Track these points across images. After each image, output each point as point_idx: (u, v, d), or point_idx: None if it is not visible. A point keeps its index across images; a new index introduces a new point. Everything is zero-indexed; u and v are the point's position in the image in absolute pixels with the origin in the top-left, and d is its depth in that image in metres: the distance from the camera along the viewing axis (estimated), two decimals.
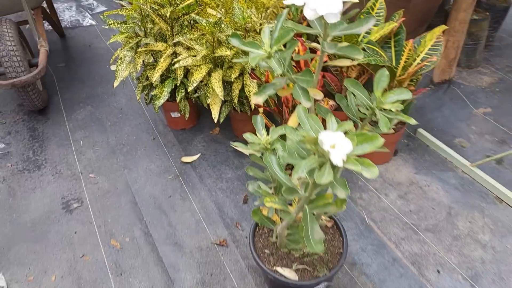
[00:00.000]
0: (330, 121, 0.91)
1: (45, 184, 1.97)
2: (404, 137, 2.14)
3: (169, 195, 1.89)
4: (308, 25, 1.06)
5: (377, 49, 1.71)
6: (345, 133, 0.84)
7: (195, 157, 2.06)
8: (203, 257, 1.63)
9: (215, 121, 1.83)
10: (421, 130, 2.12)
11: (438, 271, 1.55)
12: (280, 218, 1.25)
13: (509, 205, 1.78)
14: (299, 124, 0.96)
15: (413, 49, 1.75)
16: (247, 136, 1.17)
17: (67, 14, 3.46)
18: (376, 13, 1.81)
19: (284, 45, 1.04)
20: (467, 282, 1.51)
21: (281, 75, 1.10)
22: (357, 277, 1.54)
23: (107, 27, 1.92)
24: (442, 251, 1.62)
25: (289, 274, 1.29)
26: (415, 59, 1.75)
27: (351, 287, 1.50)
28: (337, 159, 0.78)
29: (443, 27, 1.68)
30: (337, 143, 0.79)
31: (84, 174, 2.01)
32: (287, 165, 1.36)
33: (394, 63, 1.76)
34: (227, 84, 1.88)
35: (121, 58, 1.96)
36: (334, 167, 0.83)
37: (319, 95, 1.14)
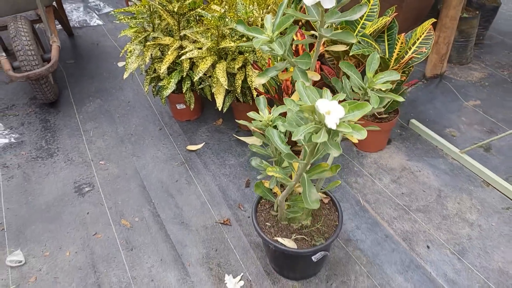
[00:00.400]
0: (326, 94, 1.03)
1: (58, 170, 2.08)
2: (398, 127, 2.26)
3: (175, 179, 2.00)
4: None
5: (371, 41, 1.83)
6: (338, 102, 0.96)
7: (199, 146, 2.18)
8: (208, 235, 1.74)
9: (220, 109, 1.95)
10: (413, 121, 2.24)
11: (428, 247, 1.66)
12: (281, 186, 1.36)
13: (495, 188, 1.90)
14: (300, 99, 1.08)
15: (405, 42, 1.88)
16: (251, 114, 1.29)
17: (75, 15, 3.60)
18: (370, 9, 1.94)
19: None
20: (455, 256, 1.63)
21: (281, 59, 1.22)
22: (352, 252, 1.65)
23: (118, 22, 2.05)
24: (432, 229, 1.74)
25: (288, 243, 1.40)
26: (407, 52, 1.87)
27: (347, 260, 1.62)
28: (331, 123, 0.90)
29: (432, 20, 1.80)
30: (331, 109, 0.91)
31: (94, 161, 2.13)
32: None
33: (387, 55, 1.89)
34: (230, 76, 2.00)
35: (130, 52, 2.08)
36: (329, 131, 0.94)
37: (316, 76, 1.27)
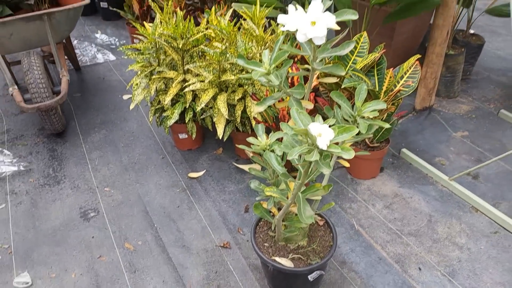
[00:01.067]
0: (318, 119, 1.14)
1: (64, 197, 2.17)
2: (390, 156, 2.37)
3: (177, 205, 2.09)
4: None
5: (361, 75, 1.97)
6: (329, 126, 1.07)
7: (200, 173, 2.28)
8: (209, 257, 1.81)
9: (220, 138, 2.06)
10: (404, 150, 2.36)
11: (420, 269, 1.74)
12: (278, 209, 1.45)
13: (483, 214, 1.99)
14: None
15: (393, 77, 2.02)
16: (250, 139, 1.40)
17: (82, 51, 3.78)
18: (361, 45, 2.09)
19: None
20: (445, 277, 1.70)
21: (278, 89, 1.35)
22: (346, 273, 1.72)
23: (125, 57, 2.19)
24: (423, 252, 1.81)
25: (285, 262, 1.48)
26: (396, 85, 2.01)
27: (342, 281, 1.68)
28: (322, 144, 1.01)
29: (417, 56, 1.95)
30: (322, 132, 1.02)
31: (99, 188, 2.22)
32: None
33: (377, 88, 2.02)
34: (230, 107, 2.13)
35: (136, 84, 2.21)
36: (320, 151, 1.05)
37: (310, 105, 1.39)
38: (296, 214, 1.50)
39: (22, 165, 2.38)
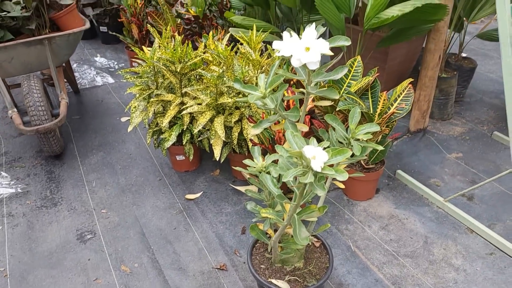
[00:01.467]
0: (312, 141, 1.17)
1: (61, 219, 2.17)
2: (385, 178, 2.39)
3: (174, 227, 2.09)
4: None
5: (356, 98, 2.01)
6: (324, 149, 1.09)
7: (197, 195, 2.29)
8: (205, 280, 1.80)
9: (217, 160, 2.08)
10: (399, 172, 2.38)
11: None
12: (274, 230, 1.46)
13: (479, 235, 2.00)
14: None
15: (387, 99, 2.06)
16: (247, 161, 1.42)
17: (81, 74, 3.83)
18: (355, 69, 2.14)
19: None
20: None
21: (274, 112, 1.38)
22: None
23: (124, 80, 2.23)
24: (420, 273, 1.81)
25: (282, 284, 1.48)
26: (390, 108, 2.05)
27: None
28: (317, 166, 1.03)
29: (410, 79, 2.00)
30: (316, 155, 1.05)
31: (96, 210, 2.22)
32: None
33: (371, 111, 2.06)
34: (227, 129, 2.16)
35: (135, 107, 2.25)
36: (315, 173, 1.07)
37: (305, 128, 1.42)
38: (292, 236, 1.51)
39: (20, 187, 2.39)
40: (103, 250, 1.98)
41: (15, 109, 2.45)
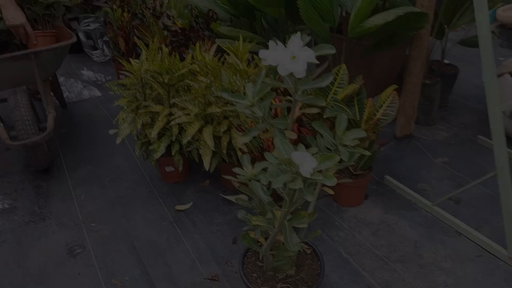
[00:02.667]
0: (301, 148, 1.19)
1: (50, 233, 2.14)
2: (374, 183, 2.42)
3: (165, 239, 2.08)
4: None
5: (342, 106, 2.04)
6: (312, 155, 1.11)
7: (188, 206, 2.28)
8: None
9: (207, 169, 2.08)
10: (388, 177, 2.41)
11: None
12: (265, 238, 1.47)
13: (467, 238, 2.02)
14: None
15: (373, 106, 2.09)
16: (236, 170, 1.43)
17: (68, 88, 3.81)
18: (340, 77, 2.17)
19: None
20: None
21: (262, 120, 1.39)
22: None
23: (112, 93, 2.23)
24: (411, 278, 1.83)
25: None
26: (375, 114, 2.08)
27: None
28: (306, 172, 1.05)
29: (394, 86, 2.04)
30: (305, 161, 1.06)
31: (86, 224, 2.20)
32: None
33: (358, 117, 2.09)
34: (216, 139, 2.17)
35: (123, 119, 2.24)
36: (304, 179, 1.08)
37: (293, 135, 1.43)
38: (283, 243, 1.51)
39: (7, 203, 2.36)
40: (93, 264, 1.95)
41: (1, 124, 2.42)
